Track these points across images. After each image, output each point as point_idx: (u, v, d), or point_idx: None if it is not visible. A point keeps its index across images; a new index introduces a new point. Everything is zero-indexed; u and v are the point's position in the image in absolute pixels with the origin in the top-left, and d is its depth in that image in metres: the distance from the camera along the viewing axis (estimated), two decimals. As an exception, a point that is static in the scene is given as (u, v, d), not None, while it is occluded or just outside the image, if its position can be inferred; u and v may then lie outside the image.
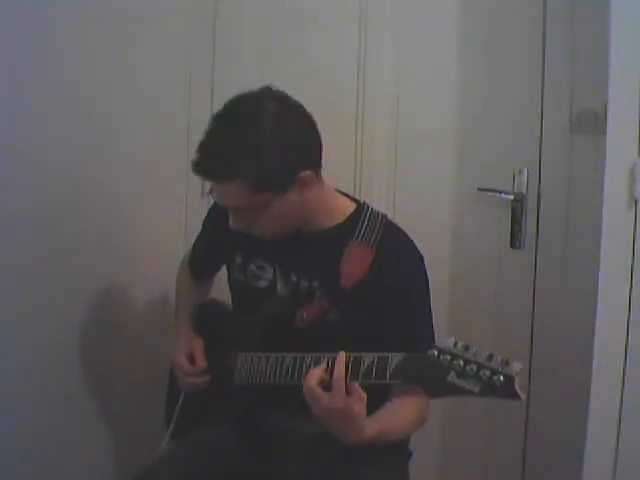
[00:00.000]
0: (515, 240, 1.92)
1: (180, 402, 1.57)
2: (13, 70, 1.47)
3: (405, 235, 1.43)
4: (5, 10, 1.45)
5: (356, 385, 1.18)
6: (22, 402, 1.56)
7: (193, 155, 1.28)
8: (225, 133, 1.27)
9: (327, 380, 1.19)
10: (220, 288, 1.65)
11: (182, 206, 2.13)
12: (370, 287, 1.35)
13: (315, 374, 1.19)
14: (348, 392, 1.18)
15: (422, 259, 1.41)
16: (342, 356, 1.20)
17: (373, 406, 1.27)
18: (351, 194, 1.51)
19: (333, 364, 1.20)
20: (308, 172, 1.30)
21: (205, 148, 1.27)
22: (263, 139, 1.26)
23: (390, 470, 1.42)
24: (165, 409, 1.65)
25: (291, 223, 1.37)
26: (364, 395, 1.19)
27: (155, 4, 1.95)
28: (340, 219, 1.41)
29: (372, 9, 2.02)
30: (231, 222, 1.34)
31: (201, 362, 1.52)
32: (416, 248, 1.41)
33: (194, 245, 1.68)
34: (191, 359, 1.53)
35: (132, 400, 1.91)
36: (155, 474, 1.40)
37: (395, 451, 1.45)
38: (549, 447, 1.88)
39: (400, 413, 1.31)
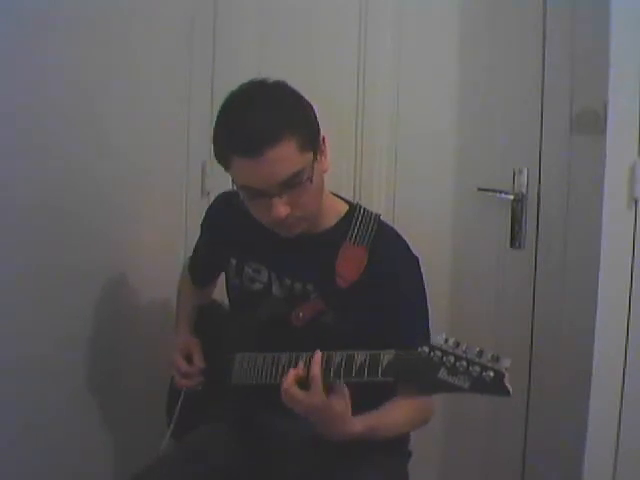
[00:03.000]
0: (515, 240, 1.92)
1: (180, 402, 1.58)
2: (12, 71, 1.47)
3: (399, 235, 1.43)
4: (4, 9, 1.45)
5: (337, 383, 1.20)
6: (22, 402, 1.56)
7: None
8: (265, 101, 1.28)
9: (304, 379, 1.21)
10: (220, 288, 1.65)
11: (182, 206, 2.13)
12: (366, 287, 1.36)
13: (291, 375, 1.22)
14: (329, 390, 1.19)
15: (417, 259, 1.41)
16: (318, 355, 1.22)
17: (372, 404, 1.29)
18: (351, 194, 1.51)
19: (310, 363, 1.21)
20: (323, 136, 1.34)
21: (248, 119, 1.25)
22: (298, 100, 1.31)
23: (390, 470, 1.42)
24: (166, 409, 1.65)
25: (319, 203, 1.36)
26: (346, 391, 1.20)
27: (155, 3, 1.95)
28: (334, 221, 1.42)
29: (372, 9, 2.03)
30: (275, 210, 1.27)
31: (198, 362, 1.52)
32: (410, 249, 1.42)
33: (194, 250, 1.68)
34: (188, 359, 1.53)
35: (132, 400, 1.91)
36: (155, 473, 1.40)
37: (395, 451, 1.45)
38: (549, 447, 1.88)
39: (394, 410, 1.31)
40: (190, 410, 1.57)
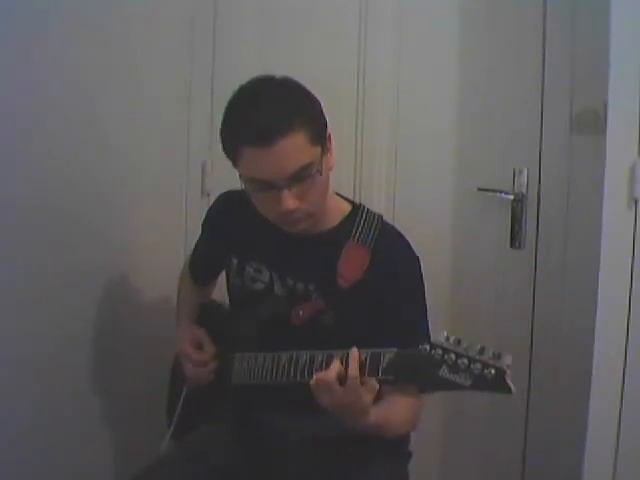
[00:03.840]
0: (515, 240, 1.92)
1: (181, 402, 1.58)
2: (12, 70, 1.47)
3: (401, 236, 1.43)
4: (5, 9, 1.45)
5: (369, 378, 1.19)
6: (22, 402, 1.56)
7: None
8: (275, 94, 1.28)
9: (343, 375, 1.19)
10: (220, 287, 1.65)
11: (182, 206, 2.13)
12: (367, 287, 1.36)
13: (334, 369, 1.18)
14: (361, 383, 1.18)
15: (418, 259, 1.41)
16: (356, 354, 1.19)
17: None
18: (351, 194, 1.51)
19: (347, 361, 1.19)
20: (329, 133, 1.35)
21: (259, 109, 1.25)
22: (307, 94, 1.31)
23: (390, 470, 1.42)
24: (166, 409, 1.65)
25: (326, 199, 1.36)
26: (376, 386, 1.19)
27: (155, 3, 1.95)
28: (337, 220, 1.42)
29: (372, 9, 2.02)
30: (284, 203, 1.27)
31: (210, 347, 1.51)
32: (412, 249, 1.42)
33: (194, 249, 1.68)
34: (199, 348, 1.53)
35: (132, 400, 1.91)
36: (155, 473, 1.40)
37: (395, 452, 1.45)
38: (549, 447, 1.88)
39: (396, 408, 1.31)
40: (190, 410, 1.57)
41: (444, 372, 1.09)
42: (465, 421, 1.98)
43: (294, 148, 1.24)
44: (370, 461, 1.37)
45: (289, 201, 1.27)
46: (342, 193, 1.49)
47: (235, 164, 1.30)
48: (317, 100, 1.33)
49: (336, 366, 1.19)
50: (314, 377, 1.19)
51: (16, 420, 1.54)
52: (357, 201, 1.48)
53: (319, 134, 1.30)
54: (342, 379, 1.18)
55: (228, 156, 1.30)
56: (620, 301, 1.47)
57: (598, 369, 1.48)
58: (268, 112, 1.24)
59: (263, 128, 1.23)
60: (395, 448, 1.45)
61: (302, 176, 1.27)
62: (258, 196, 1.33)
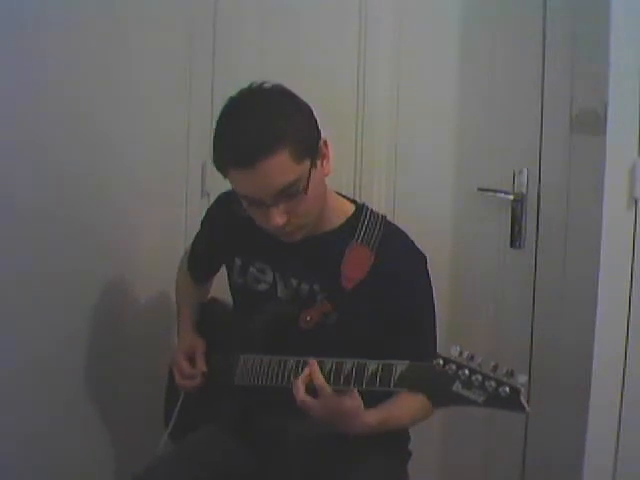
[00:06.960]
0: (515, 240, 1.92)
1: (180, 402, 1.57)
2: (13, 69, 1.47)
3: (405, 236, 1.43)
4: (5, 9, 1.45)
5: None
6: (22, 403, 1.56)
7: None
8: (259, 112, 1.27)
9: (311, 387, 1.23)
10: (220, 287, 1.65)
11: (182, 206, 2.13)
12: (371, 288, 1.36)
13: (300, 387, 1.23)
14: (336, 391, 1.22)
15: (425, 258, 1.41)
16: (313, 363, 1.24)
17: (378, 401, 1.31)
18: (351, 194, 1.51)
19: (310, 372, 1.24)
20: (324, 140, 1.33)
21: (242, 130, 1.25)
22: (295, 107, 1.30)
23: (390, 470, 1.42)
24: (164, 408, 1.65)
25: (318, 209, 1.35)
26: (353, 389, 1.22)
27: (155, 3, 1.95)
28: (340, 221, 1.42)
29: (372, 8, 2.03)
30: (272, 219, 1.28)
31: (201, 365, 1.51)
32: (417, 248, 1.42)
33: (192, 247, 1.67)
34: (191, 360, 1.53)
35: (132, 400, 1.91)
36: (155, 473, 1.40)
37: (395, 451, 1.45)
38: (549, 447, 1.88)
39: (402, 402, 1.32)
40: (190, 410, 1.57)
41: (457, 387, 1.08)
42: (465, 421, 1.98)
43: (277, 168, 1.23)
44: (370, 461, 1.37)
45: (276, 218, 1.28)
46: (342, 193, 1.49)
47: (225, 179, 1.32)
48: (307, 110, 1.31)
49: (301, 383, 1.23)
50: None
51: (16, 420, 1.54)
52: (360, 201, 1.48)
53: (306, 148, 1.28)
54: (312, 390, 1.22)
55: (218, 172, 1.31)
56: (620, 301, 1.47)
57: (598, 370, 1.48)
58: (251, 133, 1.24)
59: (244, 150, 1.23)
60: (395, 448, 1.45)
61: (288, 193, 1.26)
62: (250, 210, 1.33)
